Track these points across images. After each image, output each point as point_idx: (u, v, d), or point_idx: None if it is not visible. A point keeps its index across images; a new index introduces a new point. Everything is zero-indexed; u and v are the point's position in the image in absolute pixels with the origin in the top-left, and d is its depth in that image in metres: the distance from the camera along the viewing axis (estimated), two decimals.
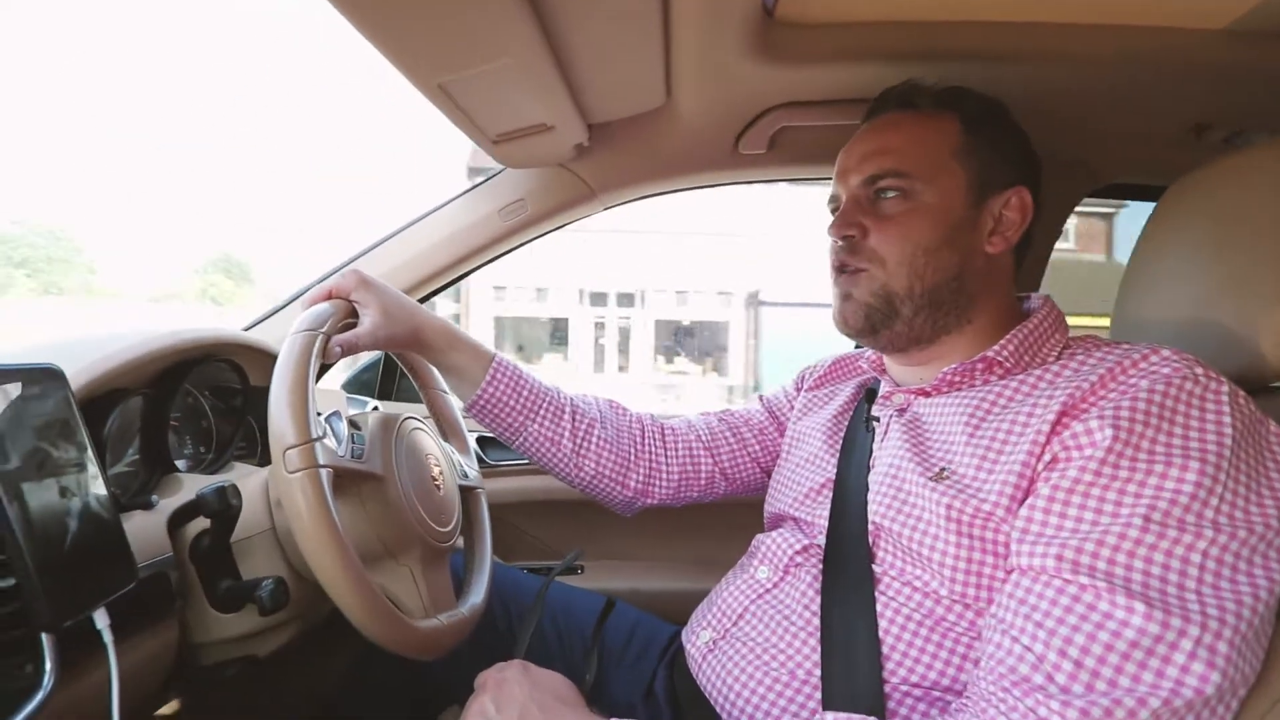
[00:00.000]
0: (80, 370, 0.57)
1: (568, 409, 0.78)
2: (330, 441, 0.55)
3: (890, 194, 0.61)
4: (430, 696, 0.76)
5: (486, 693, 0.55)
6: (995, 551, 0.51)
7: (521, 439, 0.77)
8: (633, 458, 0.80)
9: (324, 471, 0.51)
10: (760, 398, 0.88)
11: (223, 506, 0.56)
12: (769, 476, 0.83)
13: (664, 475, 0.81)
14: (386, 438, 0.65)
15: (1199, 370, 0.47)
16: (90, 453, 0.48)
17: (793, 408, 0.83)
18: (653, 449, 0.82)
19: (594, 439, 0.78)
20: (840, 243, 0.64)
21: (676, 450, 0.82)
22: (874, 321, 0.62)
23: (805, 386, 0.83)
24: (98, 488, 0.47)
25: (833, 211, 0.67)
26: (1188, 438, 0.44)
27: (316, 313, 0.61)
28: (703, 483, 0.83)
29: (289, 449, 0.50)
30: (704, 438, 0.83)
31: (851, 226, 0.62)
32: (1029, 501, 0.48)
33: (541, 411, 0.77)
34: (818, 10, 0.72)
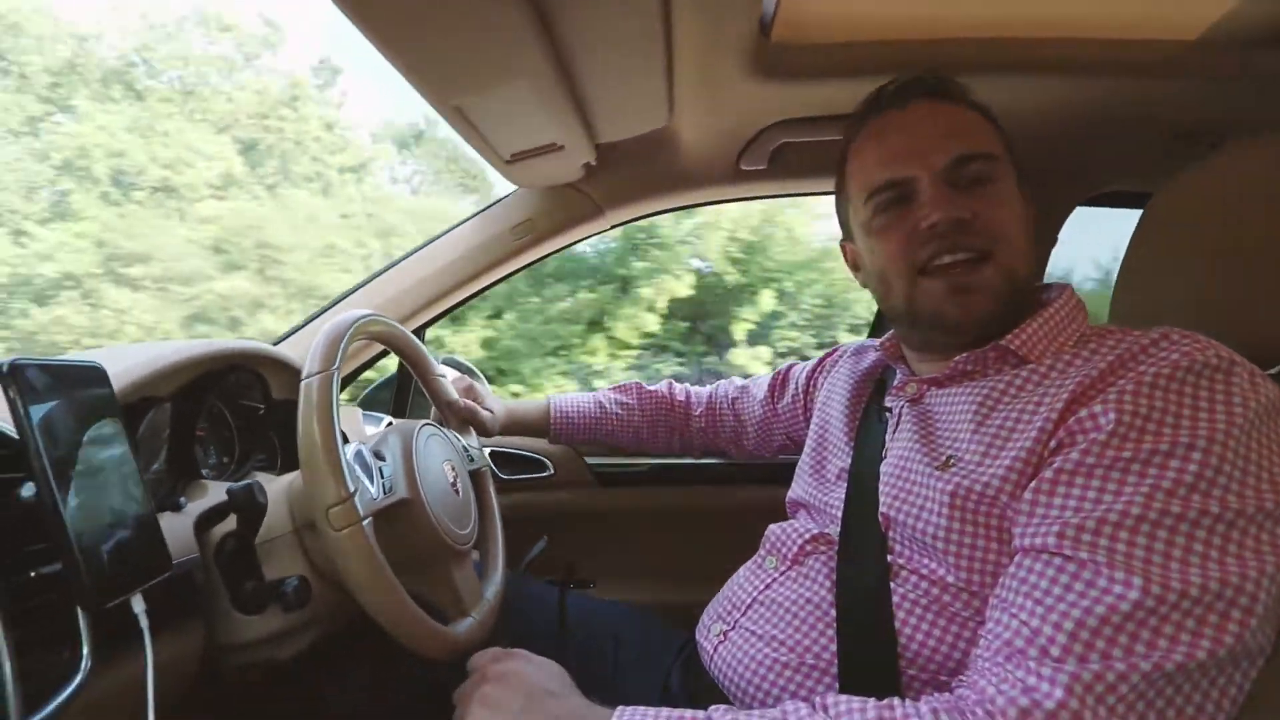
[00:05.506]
0: (118, 374, 0.59)
1: (611, 431, 1.03)
2: (364, 488, 0.58)
3: (980, 178, 0.57)
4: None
5: (488, 683, 0.53)
6: (1000, 539, 0.51)
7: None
8: (663, 442, 1.06)
9: (366, 523, 0.54)
10: (780, 373, 0.98)
11: (250, 503, 0.58)
12: (763, 450, 1.01)
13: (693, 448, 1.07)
14: (408, 460, 0.67)
15: (1211, 353, 0.46)
16: (129, 449, 0.50)
17: (814, 386, 0.90)
18: (679, 435, 1.06)
19: (637, 443, 1.06)
20: (946, 227, 0.56)
21: (699, 433, 1.05)
22: (1004, 307, 0.57)
23: (828, 370, 0.87)
24: (135, 482, 0.50)
25: (891, 200, 0.60)
26: (1196, 419, 0.44)
27: (328, 350, 0.59)
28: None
29: (331, 508, 0.53)
30: (714, 425, 1.03)
31: (963, 207, 0.56)
32: (1033, 485, 0.48)
33: (597, 439, 1.05)
34: (812, 31, 0.76)
